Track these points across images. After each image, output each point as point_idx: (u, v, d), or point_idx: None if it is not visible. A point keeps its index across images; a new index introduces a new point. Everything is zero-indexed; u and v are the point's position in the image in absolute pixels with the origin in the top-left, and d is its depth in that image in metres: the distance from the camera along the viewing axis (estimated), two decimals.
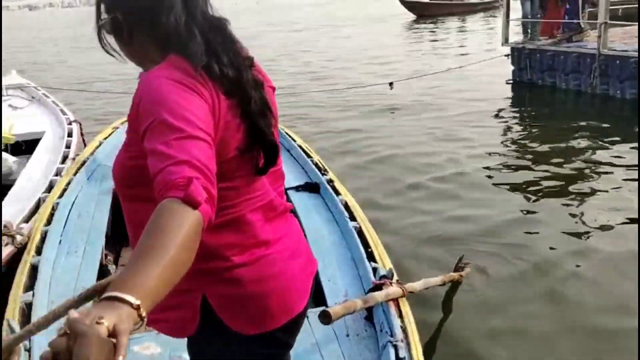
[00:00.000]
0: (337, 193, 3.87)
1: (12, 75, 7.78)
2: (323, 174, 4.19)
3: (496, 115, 8.49)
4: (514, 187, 5.57)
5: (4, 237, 3.34)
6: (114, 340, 0.80)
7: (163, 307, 1.29)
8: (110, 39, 1.41)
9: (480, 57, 11.95)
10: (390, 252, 3.21)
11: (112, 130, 5.40)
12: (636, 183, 5.34)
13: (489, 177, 5.88)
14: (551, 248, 4.28)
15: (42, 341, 2.45)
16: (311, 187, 4.09)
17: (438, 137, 7.43)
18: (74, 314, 0.81)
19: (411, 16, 25.83)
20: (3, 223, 3.49)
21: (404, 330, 2.46)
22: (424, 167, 6.30)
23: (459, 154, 6.62)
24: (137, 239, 1.04)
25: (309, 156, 4.57)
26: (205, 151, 1.14)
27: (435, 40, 18.38)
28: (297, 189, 4.08)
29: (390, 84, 9.22)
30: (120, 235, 3.89)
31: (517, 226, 4.70)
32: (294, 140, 4.94)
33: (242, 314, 1.40)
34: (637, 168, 5.72)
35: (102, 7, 1.37)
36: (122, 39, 1.38)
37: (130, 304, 0.87)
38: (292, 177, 4.30)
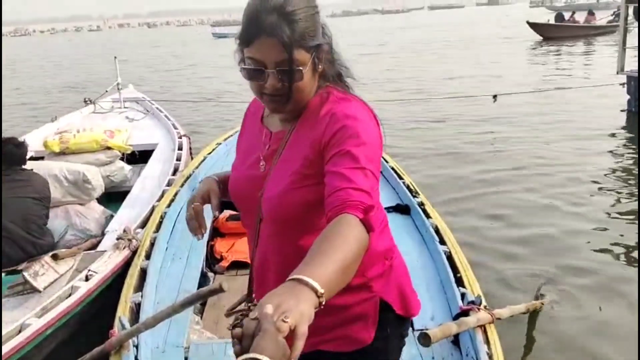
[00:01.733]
0: (428, 216, 3.92)
1: (129, 89, 8.36)
2: (414, 196, 4.26)
3: (605, 144, 8.17)
4: (616, 221, 5.41)
5: (122, 241, 3.66)
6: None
7: (343, 321, 1.55)
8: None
9: (598, 82, 11.59)
10: (478, 277, 3.25)
11: (215, 146, 5.74)
12: None
13: (589, 205, 5.74)
14: None
15: (147, 339, 2.72)
16: (402, 209, 4.18)
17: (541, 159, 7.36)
18: (268, 307, 0.93)
19: (537, 37, 26.08)
20: (123, 228, 3.83)
21: (490, 357, 2.48)
22: (521, 190, 6.26)
23: (562, 182, 6.51)
24: (287, 267, 1.17)
25: (400, 178, 4.66)
26: (377, 190, 1.37)
27: (557, 62, 18.33)
28: (388, 210, 4.14)
29: (494, 96, 9.19)
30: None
31: (612, 261, 4.63)
32: (387, 162, 5.05)
33: (406, 299, 1.67)
34: None
35: (309, 39, 1.40)
36: (316, 71, 1.46)
37: (315, 291, 1.00)
38: (383, 198, 4.40)
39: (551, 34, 26.03)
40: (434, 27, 44.23)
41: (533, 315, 3.73)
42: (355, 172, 1.30)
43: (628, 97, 10.01)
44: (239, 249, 4.12)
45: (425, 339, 2.47)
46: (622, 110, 9.99)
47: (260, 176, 1.54)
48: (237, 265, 4.01)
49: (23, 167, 3.94)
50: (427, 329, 2.56)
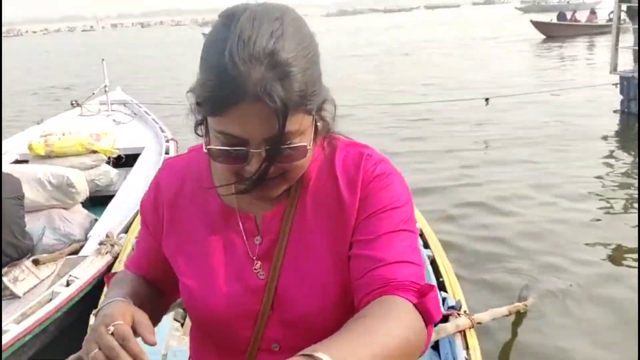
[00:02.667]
0: None
1: (116, 91, 8.32)
2: None
3: (597, 145, 8.16)
4: (608, 221, 5.43)
5: (105, 246, 3.63)
6: None
7: None
8: None
9: (591, 83, 11.65)
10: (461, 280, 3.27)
11: None
12: None
13: (578, 210, 5.69)
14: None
15: None
16: None
17: (532, 162, 7.36)
18: None
19: (540, 37, 26.67)
20: (105, 233, 3.80)
21: None
22: (508, 193, 6.24)
23: (552, 184, 6.49)
24: None
25: None
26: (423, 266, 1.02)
27: (559, 60, 18.65)
28: None
29: (486, 99, 9.18)
30: None
31: (598, 261, 4.63)
32: None
33: None
34: None
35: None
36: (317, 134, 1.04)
37: None
38: None
39: (554, 32, 26.56)
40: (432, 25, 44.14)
41: (517, 317, 3.73)
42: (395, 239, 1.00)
43: (621, 97, 10.00)
44: None
45: None
46: (614, 111, 10.02)
47: (259, 287, 1.07)
48: None
49: None
50: None
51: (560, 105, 10.68)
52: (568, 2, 57.72)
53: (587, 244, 4.89)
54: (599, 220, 5.45)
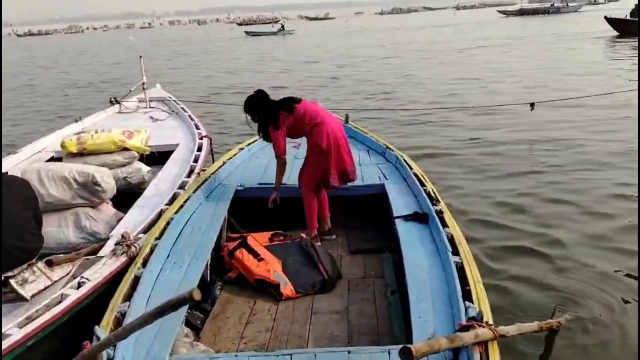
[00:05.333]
0: (445, 225, 3.74)
1: (156, 88, 8.34)
2: (434, 204, 4.09)
3: None
4: None
5: (120, 247, 3.54)
6: None
7: None
8: None
9: None
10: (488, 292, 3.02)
11: (237, 151, 5.59)
12: None
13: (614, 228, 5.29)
14: None
15: (127, 352, 2.59)
16: (419, 217, 4.01)
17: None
18: None
19: (614, 33, 26.59)
20: (121, 233, 3.71)
21: None
22: (549, 204, 5.92)
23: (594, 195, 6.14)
24: None
25: (422, 185, 4.49)
26: None
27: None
28: (406, 218, 4.02)
29: (532, 105, 8.61)
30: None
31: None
32: (410, 168, 4.88)
33: None
34: None
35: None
36: None
37: None
38: (403, 205, 4.25)
39: (628, 29, 26.01)
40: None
41: (551, 337, 3.47)
42: None
43: None
44: (259, 267, 3.88)
45: (406, 354, 2.19)
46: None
47: None
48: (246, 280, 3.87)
49: None
50: None
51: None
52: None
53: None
54: None
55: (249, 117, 4.45)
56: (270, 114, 4.31)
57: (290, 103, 4.35)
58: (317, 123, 4.30)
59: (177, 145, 5.99)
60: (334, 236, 4.61)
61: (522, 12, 61.72)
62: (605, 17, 27.54)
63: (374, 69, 19.44)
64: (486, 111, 10.34)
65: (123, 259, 3.50)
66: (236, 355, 2.64)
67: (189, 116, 6.97)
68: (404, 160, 5.08)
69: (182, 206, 4.24)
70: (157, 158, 5.73)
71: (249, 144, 5.78)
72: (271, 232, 4.36)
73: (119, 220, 4.35)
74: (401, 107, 11.41)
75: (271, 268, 3.80)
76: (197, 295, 2.07)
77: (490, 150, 8.08)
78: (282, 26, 59.11)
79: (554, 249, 4.87)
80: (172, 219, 4.03)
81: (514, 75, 15.23)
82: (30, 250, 3.21)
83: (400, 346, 2.34)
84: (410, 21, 67.00)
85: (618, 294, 4.07)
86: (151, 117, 7.05)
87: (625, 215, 5.43)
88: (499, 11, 68.96)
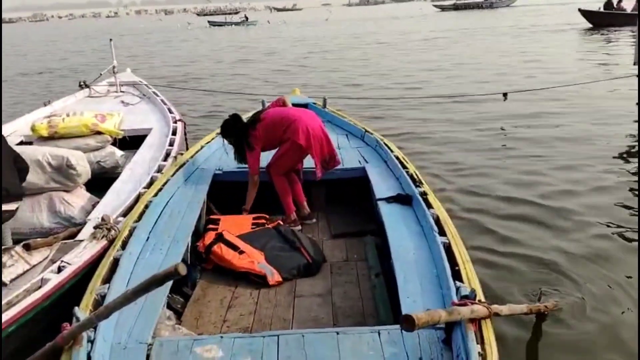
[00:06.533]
0: (430, 206, 3.73)
1: (126, 72, 8.17)
2: (417, 186, 4.07)
3: (620, 143, 7.67)
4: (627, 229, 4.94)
5: (100, 230, 3.45)
6: None
7: None
8: None
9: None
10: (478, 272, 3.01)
11: (215, 135, 5.50)
12: None
13: (598, 211, 5.28)
14: None
15: (108, 334, 2.51)
16: (403, 199, 3.98)
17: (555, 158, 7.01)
18: None
19: (587, 25, 26.75)
20: (101, 216, 3.62)
21: (484, 357, 2.24)
22: (530, 189, 5.93)
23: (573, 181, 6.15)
24: None
25: (404, 167, 4.47)
26: None
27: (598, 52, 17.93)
28: (388, 200, 3.99)
29: (504, 95, 8.72)
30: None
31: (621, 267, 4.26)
32: (391, 151, 4.86)
33: None
34: None
35: None
36: None
37: None
38: (385, 187, 4.22)
39: (600, 21, 26.38)
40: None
41: (540, 320, 3.44)
42: None
43: None
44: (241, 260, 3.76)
45: (408, 323, 2.17)
46: (637, 103, 9.54)
47: None
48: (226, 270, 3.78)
49: None
50: None
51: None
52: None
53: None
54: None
55: (225, 142, 4.58)
56: (244, 135, 4.40)
57: (255, 117, 4.50)
58: (290, 123, 4.36)
59: (151, 129, 5.88)
60: (314, 220, 4.57)
61: (456, 7, 61.21)
62: (580, 10, 27.79)
63: (328, 58, 19.82)
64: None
65: (103, 242, 3.42)
66: (222, 337, 2.57)
67: (162, 100, 6.85)
68: (384, 143, 5.05)
69: (160, 189, 4.17)
70: (129, 143, 5.63)
71: None
72: (253, 216, 4.29)
73: (94, 205, 4.26)
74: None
75: (254, 259, 3.69)
76: (183, 270, 2.02)
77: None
78: (246, 17, 59.14)
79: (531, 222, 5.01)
80: (150, 202, 3.95)
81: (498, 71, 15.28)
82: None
83: (390, 326, 2.31)
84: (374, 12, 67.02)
85: (616, 272, 4.11)
86: (122, 102, 6.90)
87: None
88: (434, 5, 68.47)
